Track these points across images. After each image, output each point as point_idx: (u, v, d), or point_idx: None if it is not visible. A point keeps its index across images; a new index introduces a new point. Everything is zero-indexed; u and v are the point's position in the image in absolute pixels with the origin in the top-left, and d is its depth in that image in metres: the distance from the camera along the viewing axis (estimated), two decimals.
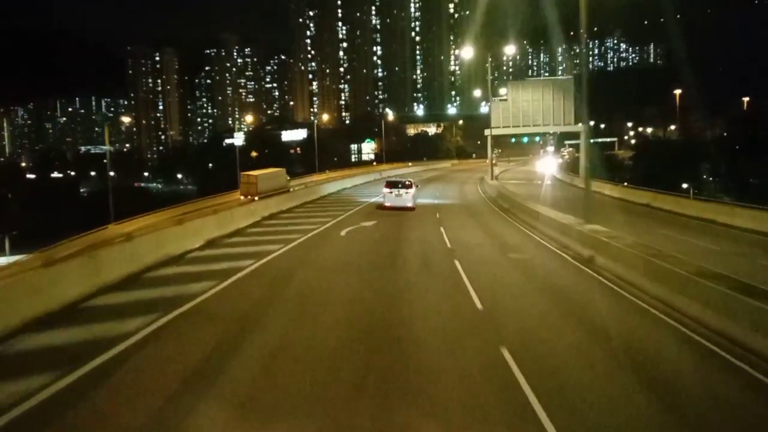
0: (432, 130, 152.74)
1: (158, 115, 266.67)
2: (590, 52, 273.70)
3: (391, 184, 34.51)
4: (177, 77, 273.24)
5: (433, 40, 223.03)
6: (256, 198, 40.40)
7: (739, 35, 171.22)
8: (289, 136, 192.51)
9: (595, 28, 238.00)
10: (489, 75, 60.04)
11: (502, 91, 64.54)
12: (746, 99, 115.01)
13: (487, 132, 56.96)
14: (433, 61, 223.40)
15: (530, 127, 55.82)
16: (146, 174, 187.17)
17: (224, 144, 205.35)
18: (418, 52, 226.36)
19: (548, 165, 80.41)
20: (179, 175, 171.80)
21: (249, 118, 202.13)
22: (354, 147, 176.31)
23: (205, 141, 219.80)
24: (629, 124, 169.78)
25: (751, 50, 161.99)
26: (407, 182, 35.35)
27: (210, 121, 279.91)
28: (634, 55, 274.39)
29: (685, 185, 57.59)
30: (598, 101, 65.15)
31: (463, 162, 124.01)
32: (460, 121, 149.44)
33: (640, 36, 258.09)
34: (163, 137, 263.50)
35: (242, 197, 43.56)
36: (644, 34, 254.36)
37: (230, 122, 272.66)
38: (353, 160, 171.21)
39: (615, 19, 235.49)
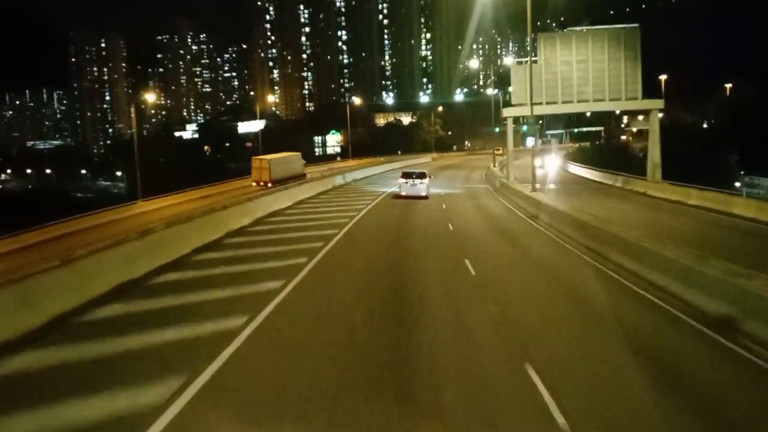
0: (406, 119, 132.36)
1: (105, 106, 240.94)
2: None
3: (407, 175, 36.65)
4: (126, 66, 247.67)
5: (402, 23, 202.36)
6: (270, 185, 39.31)
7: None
8: (246, 127, 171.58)
9: (562, 18, 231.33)
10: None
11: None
12: (728, 86, 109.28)
13: (505, 112, 37.32)
14: (402, 45, 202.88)
15: (573, 104, 35.95)
16: (83, 172, 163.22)
17: (175, 137, 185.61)
18: (386, 36, 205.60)
19: (552, 162, 60.92)
20: (118, 173, 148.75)
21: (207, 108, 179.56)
22: (318, 139, 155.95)
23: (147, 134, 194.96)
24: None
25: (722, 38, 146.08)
26: (422, 173, 37.21)
27: (163, 112, 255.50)
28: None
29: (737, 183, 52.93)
30: None
31: (444, 156, 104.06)
32: (440, 108, 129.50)
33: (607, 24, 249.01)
34: (111, 130, 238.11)
35: (254, 184, 41.27)
36: (612, 23, 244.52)
37: (185, 113, 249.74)
38: (317, 154, 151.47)
39: (584, 7, 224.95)
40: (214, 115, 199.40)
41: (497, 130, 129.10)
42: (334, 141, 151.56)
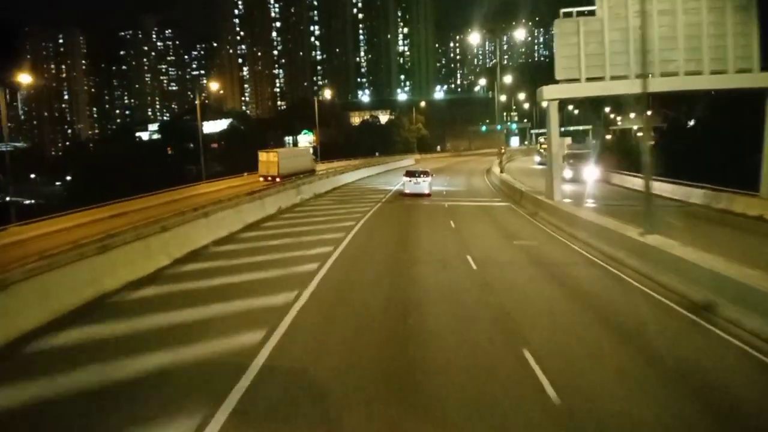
0: (384, 117, 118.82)
1: (63, 106, 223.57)
2: (535, 40, 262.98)
3: (411, 174, 36.60)
4: (85, 63, 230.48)
5: (378, 17, 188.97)
6: (278, 179, 38.06)
7: None
8: (211, 127, 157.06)
9: (537, 18, 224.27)
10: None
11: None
12: None
13: (547, 92, 24.01)
14: (379, 41, 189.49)
15: (653, 79, 22.06)
16: (33, 176, 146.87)
17: (136, 137, 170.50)
18: (361, 31, 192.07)
19: (590, 173, 43.27)
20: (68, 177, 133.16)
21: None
22: (289, 139, 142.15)
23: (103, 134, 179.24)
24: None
25: None
26: (424, 171, 37.10)
27: (127, 112, 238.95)
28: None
29: None
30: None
31: (427, 157, 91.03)
32: (422, 103, 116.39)
33: None
34: (70, 131, 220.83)
35: (261, 180, 39.98)
36: None
37: (150, 113, 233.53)
38: None
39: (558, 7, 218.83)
40: (176, 114, 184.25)
41: (484, 129, 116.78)
42: (306, 141, 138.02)
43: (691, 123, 62.50)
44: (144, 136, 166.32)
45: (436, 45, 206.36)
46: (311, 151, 46.24)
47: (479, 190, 40.74)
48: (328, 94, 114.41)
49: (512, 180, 37.70)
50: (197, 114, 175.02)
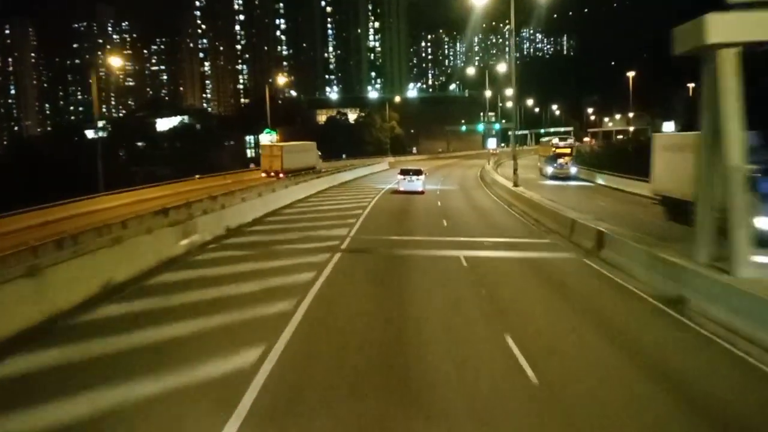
0: (353, 115, 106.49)
1: (10, 101, 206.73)
2: (506, 43, 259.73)
3: (404, 172, 36.45)
4: (35, 56, 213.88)
5: (347, 10, 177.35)
6: (281, 176, 36.70)
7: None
8: (165, 124, 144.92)
9: (507, 21, 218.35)
10: None
11: None
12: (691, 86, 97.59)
13: (717, 27, 11.42)
14: (348, 35, 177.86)
15: None
16: None
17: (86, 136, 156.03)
18: (329, 24, 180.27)
19: None
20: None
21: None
22: (250, 139, 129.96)
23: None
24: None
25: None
26: (418, 170, 37.01)
27: (81, 108, 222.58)
28: (548, 47, 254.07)
29: None
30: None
31: (402, 160, 79.69)
32: (397, 98, 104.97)
33: (551, 28, 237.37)
34: (16, 128, 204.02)
35: (264, 174, 38.78)
36: (555, 26, 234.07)
37: (105, 110, 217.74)
38: (249, 156, 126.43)
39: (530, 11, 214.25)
40: (129, 110, 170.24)
41: (464, 128, 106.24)
42: (268, 141, 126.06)
43: None
44: (91, 134, 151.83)
45: (410, 40, 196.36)
46: (315, 146, 45.29)
47: (495, 216, 26.77)
48: (280, 80, 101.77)
49: (554, 206, 24.95)
50: (157, 110, 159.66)
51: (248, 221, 22.36)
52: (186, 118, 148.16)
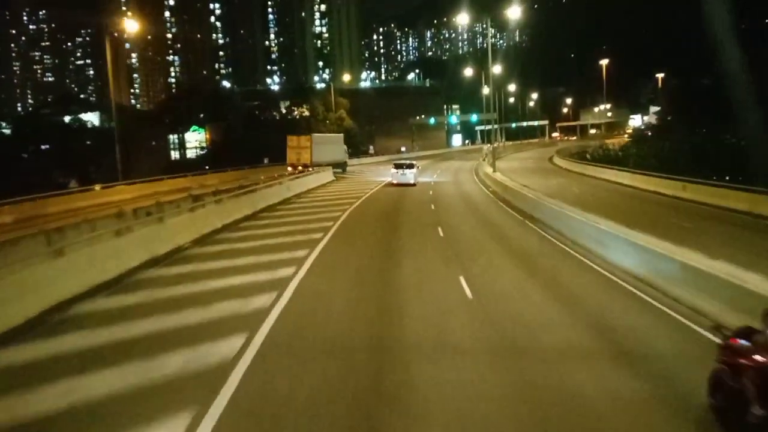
0: (301, 109, 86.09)
1: None
2: (459, 37, 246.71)
3: (398, 165, 35.86)
4: None
5: None
6: (311, 168, 34.43)
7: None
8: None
9: (461, 14, 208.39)
10: None
11: None
12: (660, 75, 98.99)
13: None
14: (291, 20, 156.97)
15: None
16: None
17: None
18: (270, 9, 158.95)
19: None
20: None
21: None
22: (174, 138, 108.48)
23: None
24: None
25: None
26: (410, 164, 36.43)
27: None
28: (501, 41, 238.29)
29: None
30: None
31: (355, 164, 59.48)
32: (346, 77, 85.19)
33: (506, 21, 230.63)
34: None
35: (290, 169, 35.53)
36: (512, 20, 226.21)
37: (20, 108, 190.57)
38: (173, 158, 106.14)
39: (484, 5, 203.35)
40: (36, 106, 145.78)
41: (433, 121, 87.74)
42: (195, 140, 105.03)
43: None
44: None
45: (362, 33, 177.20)
46: (343, 138, 42.07)
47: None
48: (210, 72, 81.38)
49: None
50: (68, 106, 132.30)
51: None
52: (102, 114, 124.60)
